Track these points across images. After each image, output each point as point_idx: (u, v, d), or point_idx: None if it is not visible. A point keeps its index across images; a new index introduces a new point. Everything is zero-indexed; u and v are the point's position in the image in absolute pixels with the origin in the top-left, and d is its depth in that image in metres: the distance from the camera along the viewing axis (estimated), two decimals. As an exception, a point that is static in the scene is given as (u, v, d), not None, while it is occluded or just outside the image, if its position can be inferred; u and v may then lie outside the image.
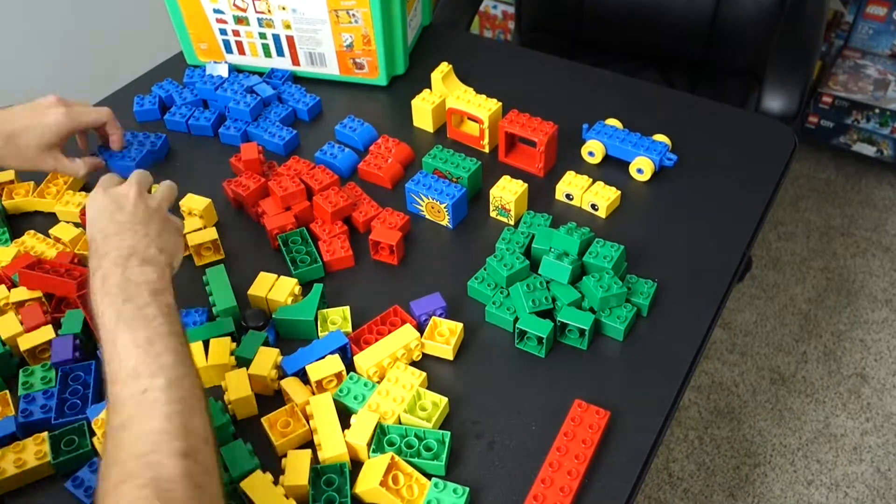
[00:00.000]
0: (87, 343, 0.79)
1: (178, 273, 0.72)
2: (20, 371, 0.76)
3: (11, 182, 0.98)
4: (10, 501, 0.69)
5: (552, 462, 0.68)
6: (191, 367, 0.61)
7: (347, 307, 0.81)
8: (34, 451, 0.69)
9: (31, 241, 0.90)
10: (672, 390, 0.75)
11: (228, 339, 0.77)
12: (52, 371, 0.76)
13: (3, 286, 0.84)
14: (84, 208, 0.90)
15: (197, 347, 0.75)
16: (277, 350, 0.76)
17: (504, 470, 0.69)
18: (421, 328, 0.79)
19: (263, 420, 0.71)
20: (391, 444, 0.69)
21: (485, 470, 0.69)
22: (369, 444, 0.69)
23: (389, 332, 0.78)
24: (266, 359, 0.75)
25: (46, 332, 0.78)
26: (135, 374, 0.58)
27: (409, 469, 0.67)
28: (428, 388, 0.75)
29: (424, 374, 0.75)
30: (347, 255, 0.87)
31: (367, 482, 0.66)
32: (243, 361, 0.76)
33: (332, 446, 0.69)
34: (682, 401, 1.32)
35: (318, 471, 0.68)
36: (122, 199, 0.72)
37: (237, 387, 0.72)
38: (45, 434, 0.70)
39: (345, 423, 0.71)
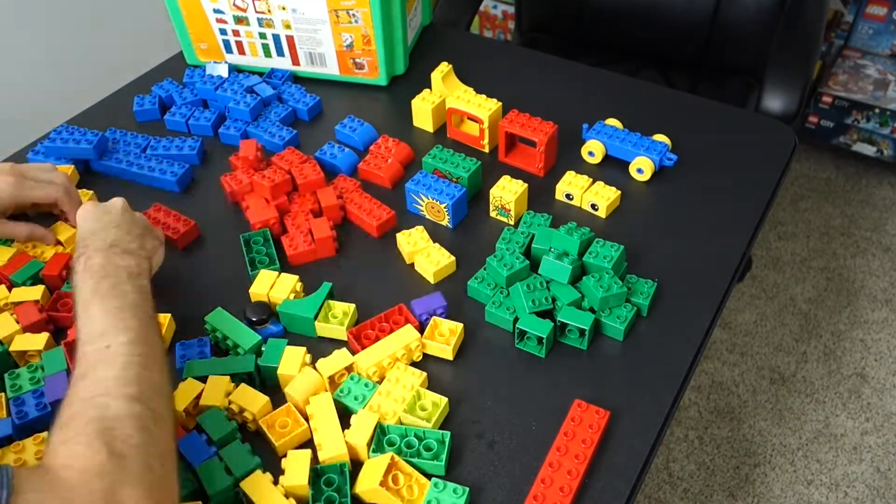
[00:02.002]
0: None
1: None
2: (6, 375, 0.76)
3: (11, 182, 0.98)
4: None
5: (552, 462, 0.68)
6: (155, 332, 0.65)
7: (353, 305, 0.81)
8: (34, 451, 0.69)
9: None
10: (672, 390, 0.75)
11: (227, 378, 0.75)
12: (38, 371, 0.75)
13: (3, 286, 0.84)
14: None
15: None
16: (304, 349, 0.76)
17: (504, 470, 0.69)
18: (422, 327, 0.79)
19: (262, 421, 0.71)
20: (391, 444, 0.69)
21: (485, 470, 0.69)
22: (369, 444, 0.69)
23: (392, 330, 0.78)
24: (294, 358, 0.75)
25: (40, 340, 0.78)
26: (101, 334, 0.61)
27: (409, 469, 0.67)
28: (428, 388, 0.75)
29: (425, 374, 0.75)
30: (310, 250, 0.87)
31: (367, 482, 0.66)
32: (269, 370, 0.76)
33: (332, 446, 0.69)
34: (682, 401, 1.32)
35: (318, 471, 0.68)
36: (109, 206, 0.78)
37: (296, 471, 0.68)
38: (44, 434, 0.70)
39: (345, 423, 0.71)
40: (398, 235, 0.88)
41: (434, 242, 0.88)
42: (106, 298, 0.64)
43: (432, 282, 0.85)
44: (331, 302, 0.81)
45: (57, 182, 0.88)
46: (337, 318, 0.80)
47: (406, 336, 0.77)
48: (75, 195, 0.89)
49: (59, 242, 0.90)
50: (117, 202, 0.78)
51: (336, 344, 0.79)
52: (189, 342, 0.79)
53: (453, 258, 0.86)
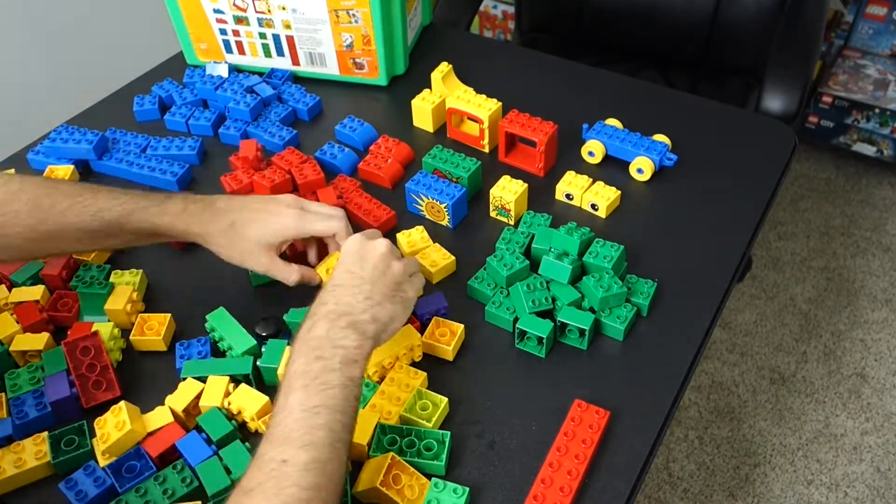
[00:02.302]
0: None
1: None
2: (6, 375, 0.76)
3: (11, 182, 0.98)
4: (10, 501, 0.69)
5: (552, 462, 0.68)
6: (341, 454, 0.59)
7: None
8: (34, 451, 0.69)
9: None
10: (672, 390, 0.75)
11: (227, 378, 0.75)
12: (38, 372, 0.75)
13: (3, 286, 0.84)
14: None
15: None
16: None
17: (504, 470, 0.69)
18: (423, 327, 0.79)
19: (262, 421, 0.71)
20: (391, 444, 0.69)
21: (485, 470, 0.69)
22: (369, 444, 0.69)
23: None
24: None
25: (40, 340, 0.78)
26: (286, 439, 0.57)
27: (410, 469, 0.67)
28: (428, 388, 0.75)
29: (425, 374, 0.75)
30: (304, 251, 0.87)
31: (367, 482, 0.66)
32: (269, 371, 0.75)
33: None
34: (682, 401, 1.32)
35: None
36: (369, 251, 0.72)
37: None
38: (44, 434, 0.70)
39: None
40: (398, 235, 0.88)
41: (434, 242, 0.88)
42: (309, 390, 0.60)
43: (432, 282, 0.85)
44: None
45: (337, 216, 0.81)
46: None
47: (407, 336, 0.77)
48: (349, 230, 0.82)
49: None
50: (379, 248, 0.72)
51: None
52: (190, 342, 0.79)
53: (453, 258, 0.86)
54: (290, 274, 0.80)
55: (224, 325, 0.79)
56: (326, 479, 0.56)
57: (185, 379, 0.74)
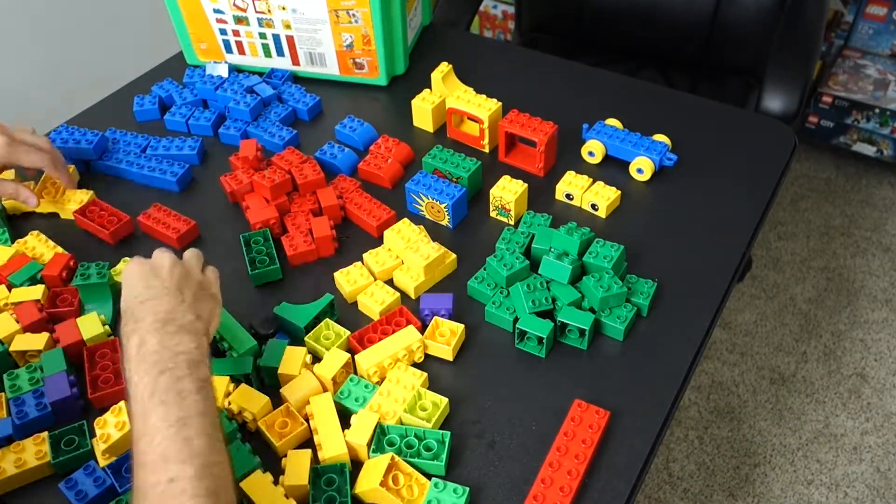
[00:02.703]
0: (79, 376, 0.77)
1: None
2: (4, 376, 0.76)
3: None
4: (10, 501, 0.69)
5: (552, 462, 0.68)
6: (223, 453, 0.57)
7: (348, 333, 0.79)
8: (34, 451, 0.69)
9: (33, 242, 0.90)
10: (672, 390, 0.75)
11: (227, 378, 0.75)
12: (37, 372, 0.75)
13: (3, 286, 0.84)
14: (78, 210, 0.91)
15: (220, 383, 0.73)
16: (305, 349, 0.76)
17: (504, 470, 0.69)
18: (424, 325, 0.80)
19: (261, 422, 0.71)
20: (391, 444, 0.69)
21: (485, 470, 0.69)
22: (369, 444, 0.69)
23: (394, 331, 0.78)
24: (295, 358, 0.75)
25: (40, 340, 0.78)
26: (163, 458, 0.54)
27: (409, 469, 0.67)
28: (428, 388, 0.75)
29: (425, 374, 0.75)
30: (310, 250, 0.87)
31: (367, 482, 0.66)
32: (269, 371, 0.75)
33: (333, 446, 0.69)
34: (682, 401, 1.32)
35: (318, 471, 0.68)
36: (157, 264, 0.69)
37: (296, 470, 0.68)
38: (45, 434, 0.70)
39: (345, 423, 0.71)
40: (386, 233, 0.87)
41: (425, 237, 0.87)
42: (167, 405, 0.57)
43: (422, 277, 0.85)
44: (329, 321, 0.80)
45: (44, 149, 0.87)
46: (329, 340, 0.78)
47: (407, 337, 0.77)
48: (61, 163, 0.89)
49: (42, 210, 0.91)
50: (165, 259, 0.70)
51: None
52: None
53: (444, 250, 0.85)
54: (10, 189, 0.87)
55: (224, 325, 0.79)
56: (220, 482, 0.55)
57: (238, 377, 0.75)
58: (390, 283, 0.85)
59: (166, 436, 0.55)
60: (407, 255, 0.85)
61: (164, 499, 0.53)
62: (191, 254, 0.74)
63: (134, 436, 0.57)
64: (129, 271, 0.69)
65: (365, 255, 0.87)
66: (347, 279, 0.84)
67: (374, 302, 0.82)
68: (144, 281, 0.67)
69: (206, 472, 0.54)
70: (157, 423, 0.56)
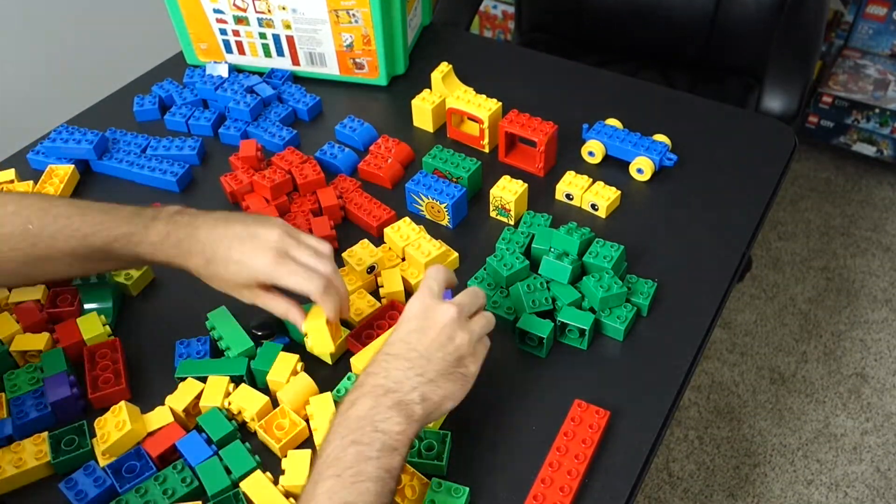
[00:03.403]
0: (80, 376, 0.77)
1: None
2: (4, 376, 0.75)
3: (11, 182, 0.98)
4: (10, 501, 0.69)
5: (552, 462, 0.68)
6: None
7: (347, 331, 0.79)
8: (34, 451, 0.69)
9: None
10: (672, 390, 0.75)
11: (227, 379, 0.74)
12: (37, 372, 0.75)
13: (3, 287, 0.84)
14: None
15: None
16: (297, 357, 0.75)
17: (504, 470, 0.69)
18: None
19: (259, 424, 0.71)
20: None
21: (485, 470, 0.69)
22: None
23: (389, 325, 0.78)
24: (286, 365, 0.74)
25: (40, 340, 0.78)
26: None
27: (410, 469, 0.67)
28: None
29: None
30: None
31: None
32: (261, 374, 0.75)
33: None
34: (682, 401, 1.32)
35: None
36: (432, 320, 0.64)
37: (296, 471, 0.68)
38: (44, 434, 0.70)
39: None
40: (387, 230, 0.87)
41: (427, 235, 0.87)
42: (341, 480, 0.55)
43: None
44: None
45: (319, 273, 0.70)
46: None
47: None
48: (333, 293, 0.71)
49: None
50: (447, 315, 0.64)
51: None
52: (189, 340, 0.79)
53: (445, 247, 0.85)
54: (279, 308, 0.73)
55: (224, 324, 0.79)
56: None
57: (185, 379, 0.74)
58: (375, 293, 0.84)
59: None
60: (408, 251, 0.85)
61: None
62: (484, 321, 0.68)
63: (303, 492, 0.57)
64: (408, 308, 0.66)
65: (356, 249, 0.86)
66: (399, 234, 0.85)
67: (421, 254, 0.83)
68: (406, 332, 0.64)
69: None
70: (321, 496, 0.55)
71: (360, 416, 0.59)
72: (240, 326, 0.79)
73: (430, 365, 0.63)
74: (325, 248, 0.73)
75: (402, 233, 0.87)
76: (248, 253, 0.70)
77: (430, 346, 0.64)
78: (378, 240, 0.90)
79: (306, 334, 0.73)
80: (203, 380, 0.74)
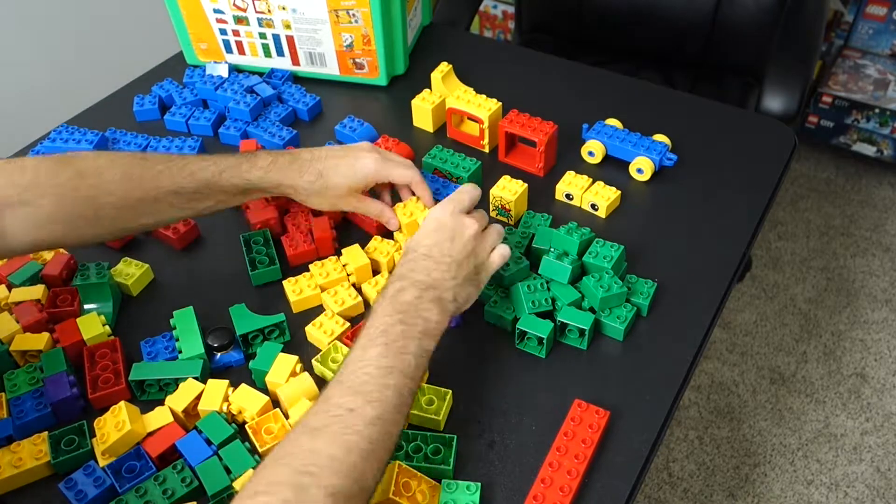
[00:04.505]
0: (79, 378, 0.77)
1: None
2: (4, 376, 0.75)
3: (11, 182, 0.98)
4: (10, 501, 0.69)
5: (552, 462, 0.68)
6: (403, 418, 0.62)
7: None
8: (34, 451, 0.69)
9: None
10: (672, 390, 0.75)
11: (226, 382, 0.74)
12: (37, 372, 0.75)
13: (3, 286, 0.84)
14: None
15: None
16: (296, 357, 0.75)
17: (504, 470, 0.69)
18: None
19: (248, 427, 0.71)
20: (397, 449, 0.69)
21: (485, 470, 0.69)
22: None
23: None
24: (285, 365, 0.74)
25: (40, 340, 0.78)
26: (357, 390, 0.60)
27: (417, 474, 0.67)
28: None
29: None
30: (310, 249, 0.87)
31: (378, 493, 0.65)
32: (259, 374, 0.75)
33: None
34: (682, 401, 1.32)
35: None
36: (460, 229, 0.74)
37: None
38: (44, 434, 0.70)
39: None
40: (396, 208, 0.87)
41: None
42: (387, 349, 0.63)
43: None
44: (337, 343, 0.78)
45: (412, 166, 0.86)
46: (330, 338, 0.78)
47: None
48: (425, 181, 0.86)
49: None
50: (470, 227, 0.74)
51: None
52: (154, 339, 0.79)
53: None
54: (378, 209, 0.86)
55: (185, 325, 0.79)
56: (385, 439, 0.59)
57: (142, 382, 0.74)
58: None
59: (370, 372, 0.61)
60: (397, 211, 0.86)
61: (336, 420, 0.58)
62: (494, 231, 0.78)
63: (349, 356, 0.64)
64: (435, 214, 0.76)
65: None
66: (294, 288, 0.83)
67: (335, 302, 0.81)
68: (440, 237, 0.73)
69: (381, 422, 0.59)
70: (371, 358, 0.62)
71: (408, 301, 0.67)
72: (199, 330, 0.78)
73: (460, 270, 0.72)
74: (407, 159, 0.87)
75: (408, 210, 0.86)
76: (357, 156, 0.83)
77: (461, 252, 0.73)
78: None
79: (399, 229, 0.86)
80: (200, 380, 0.74)
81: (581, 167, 0.98)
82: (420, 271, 0.70)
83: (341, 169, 0.82)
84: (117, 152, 0.79)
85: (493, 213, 0.93)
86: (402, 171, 0.84)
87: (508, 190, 0.90)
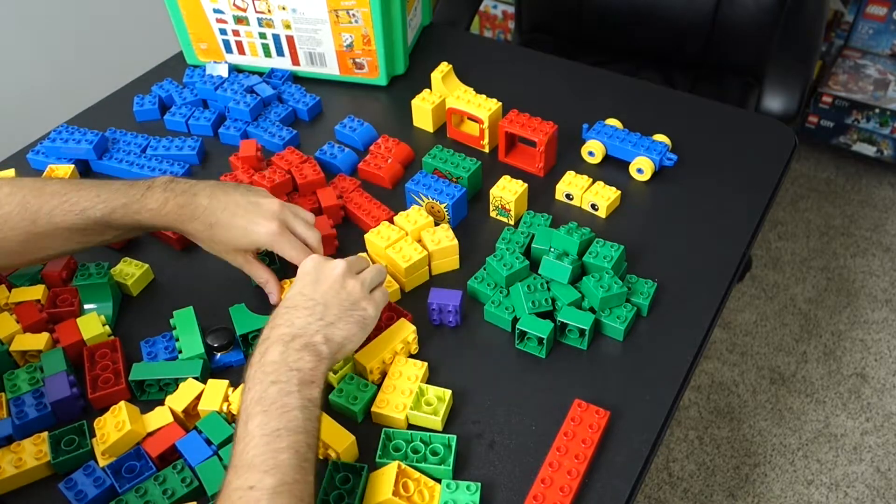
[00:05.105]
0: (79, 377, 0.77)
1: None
2: (4, 376, 0.75)
3: (11, 182, 0.98)
4: (10, 501, 0.69)
5: (552, 462, 0.68)
6: (307, 474, 0.59)
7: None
8: (34, 452, 0.69)
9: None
10: (672, 390, 0.75)
11: (226, 382, 0.74)
12: (37, 372, 0.75)
13: (3, 286, 0.84)
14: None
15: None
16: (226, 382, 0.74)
17: (504, 470, 0.69)
18: (431, 318, 0.80)
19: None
20: (397, 449, 0.69)
21: (485, 470, 0.69)
22: (375, 450, 0.69)
23: (386, 326, 0.78)
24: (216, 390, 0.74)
25: (40, 340, 0.78)
26: (250, 465, 0.57)
27: (417, 475, 0.67)
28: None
29: (426, 363, 0.75)
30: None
31: (379, 494, 0.65)
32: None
33: (339, 441, 0.69)
34: (682, 401, 1.32)
35: (337, 465, 0.68)
36: (324, 273, 0.72)
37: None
38: (44, 434, 0.70)
39: (343, 422, 0.71)
40: (396, 218, 0.87)
41: (437, 225, 0.87)
42: (268, 415, 0.60)
43: (404, 278, 0.84)
44: None
45: (311, 244, 0.80)
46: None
47: (401, 330, 0.77)
48: (321, 250, 0.81)
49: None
50: (335, 269, 0.72)
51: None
52: (154, 339, 0.79)
53: (426, 253, 0.84)
54: (263, 278, 0.82)
55: (185, 325, 0.79)
56: (296, 501, 0.56)
57: (142, 382, 0.74)
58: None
59: (258, 444, 0.58)
60: (423, 235, 0.86)
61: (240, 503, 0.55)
62: (373, 271, 0.76)
63: (235, 437, 0.60)
64: (302, 269, 0.73)
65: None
66: (407, 220, 0.86)
67: (432, 242, 0.83)
68: (304, 283, 0.71)
69: (286, 488, 0.56)
70: (253, 429, 0.59)
71: (275, 360, 0.64)
72: (199, 330, 0.78)
73: (328, 310, 0.69)
74: (312, 217, 0.83)
75: (411, 219, 0.87)
76: (253, 220, 0.77)
77: (326, 293, 0.70)
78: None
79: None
80: (200, 380, 0.74)
81: (581, 167, 0.98)
82: (283, 325, 0.67)
83: (233, 231, 0.77)
84: (17, 180, 0.76)
85: (493, 213, 0.93)
86: (294, 254, 0.78)
87: (508, 190, 0.90)
